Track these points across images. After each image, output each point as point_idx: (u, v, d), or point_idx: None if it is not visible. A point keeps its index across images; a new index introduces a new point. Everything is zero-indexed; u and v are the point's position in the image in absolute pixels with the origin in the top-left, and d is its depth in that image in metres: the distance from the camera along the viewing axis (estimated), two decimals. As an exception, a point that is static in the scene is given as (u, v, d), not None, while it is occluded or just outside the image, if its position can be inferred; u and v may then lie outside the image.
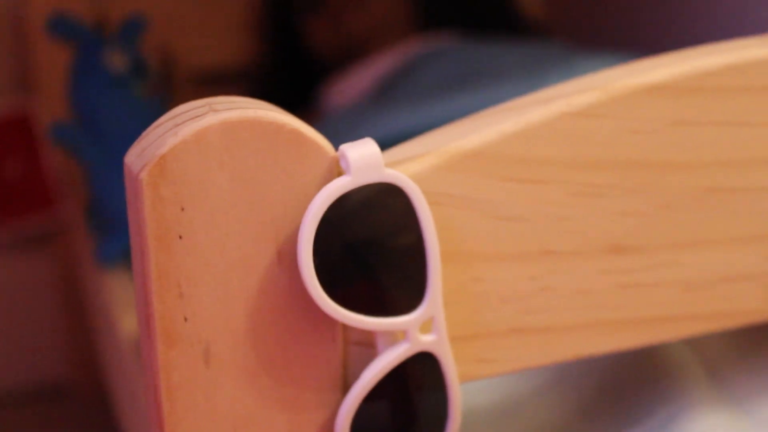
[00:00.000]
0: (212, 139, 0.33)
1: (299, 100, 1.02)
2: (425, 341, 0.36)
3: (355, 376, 0.36)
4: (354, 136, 0.71)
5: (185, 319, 0.34)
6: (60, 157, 0.97)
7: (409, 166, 0.37)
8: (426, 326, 0.36)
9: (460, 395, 0.38)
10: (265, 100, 0.96)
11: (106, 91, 0.75)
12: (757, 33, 0.51)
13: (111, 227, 0.74)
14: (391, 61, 0.90)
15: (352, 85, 0.91)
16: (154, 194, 0.33)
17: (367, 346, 0.37)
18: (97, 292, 0.75)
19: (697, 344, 0.50)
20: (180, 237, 0.33)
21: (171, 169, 0.33)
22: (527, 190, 0.39)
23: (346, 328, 0.36)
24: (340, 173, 0.35)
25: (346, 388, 0.37)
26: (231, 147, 0.33)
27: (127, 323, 0.66)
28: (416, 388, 0.37)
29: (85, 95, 0.76)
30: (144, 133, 0.36)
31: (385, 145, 0.72)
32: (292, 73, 1.03)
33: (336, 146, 0.68)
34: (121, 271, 0.73)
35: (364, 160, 0.35)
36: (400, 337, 0.36)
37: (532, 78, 0.72)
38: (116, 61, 0.77)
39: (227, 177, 0.34)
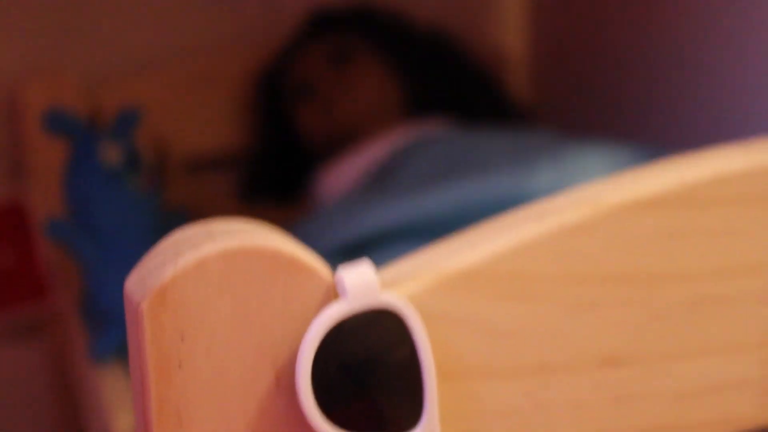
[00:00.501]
0: (212, 268, 0.34)
1: (291, 186, 1.03)
2: (423, 461, 0.37)
3: (354, 497, 0.36)
4: (347, 230, 0.72)
5: (185, 446, 0.34)
6: (53, 248, 0.97)
7: (404, 287, 0.37)
8: (424, 446, 0.37)
9: None
10: (257, 186, 0.97)
11: (101, 185, 0.76)
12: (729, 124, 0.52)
13: (105, 323, 0.74)
14: (381, 149, 0.91)
15: (343, 173, 0.92)
16: (155, 324, 0.34)
17: (366, 466, 0.37)
18: (90, 389, 0.75)
19: None
20: (180, 365, 0.34)
21: (171, 298, 0.34)
22: (521, 307, 0.39)
23: (344, 449, 0.36)
24: (337, 297, 0.36)
25: None
26: (230, 275, 0.34)
27: (121, 422, 0.66)
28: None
29: (80, 190, 0.77)
30: (144, 260, 0.36)
31: (376, 238, 0.73)
32: (284, 159, 1.04)
33: (332, 242, 0.68)
34: (115, 368, 0.73)
35: (360, 286, 0.35)
36: (399, 457, 0.37)
37: (520, 168, 0.73)
38: (111, 154, 0.78)
39: (226, 305, 0.34)
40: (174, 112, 1.05)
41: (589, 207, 0.40)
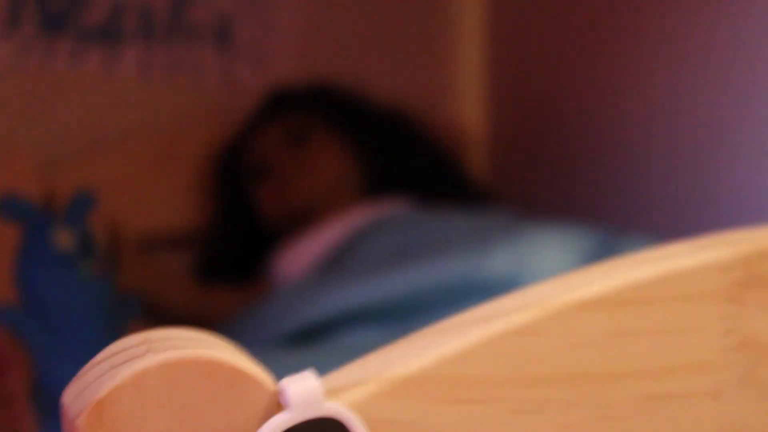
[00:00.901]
0: (151, 381, 0.33)
1: (247, 267, 1.02)
2: None
3: None
4: (301, 315, 0.72)
5: None
6: (1, 332, 0.95)
7: (349, 394, 0.37)
8: None
9: None
10: (213, 266, 0.96)
11: (53, 271, 0.75)
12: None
13: (56, 411, 0.72)
14: (338, 230, 0.91)
15: (300, 254, 0.92)
16: (91, 439, 0.33)
17: None
18: (39, 480, 0.73)
19: None
20: (117, 482, 0.33)
21: (109, 413, 0.33)
22: (468, 411, 0.39)
23: None
24: (280, 407, 0.35)
25: None
26: (170, 388, 0.33)
27: None
28: None
29: (31, 276, 0.76)
30: (81, 372, 0.35)
31: (332, 322, 0.72)
32: (241, 240, 1.04)
33: (288, 326, 0.68)
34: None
35: (303, 396, 0.35)
36: None
37: (475, 250, 0.73)
38: (63, 240, 0.77)
39: (166, 419, 0.33)
40: (130, 191, 1.05)
41: (536, 309, 0.40)
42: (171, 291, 0.88)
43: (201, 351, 0.34)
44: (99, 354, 0.36)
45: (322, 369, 0.63)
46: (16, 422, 0.96)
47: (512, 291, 0.71)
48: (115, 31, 1.07)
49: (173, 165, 1.07)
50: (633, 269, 0.42)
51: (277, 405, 0.35)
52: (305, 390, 0.35)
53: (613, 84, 1.02)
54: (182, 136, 1.08)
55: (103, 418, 0.33)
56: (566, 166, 1.08)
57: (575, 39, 1.06)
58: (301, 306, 0.74)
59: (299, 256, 0.91)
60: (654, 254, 0.44)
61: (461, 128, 1.19)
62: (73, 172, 1.03)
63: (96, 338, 0.75)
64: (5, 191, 0.96)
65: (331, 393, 0.37)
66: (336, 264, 0.82)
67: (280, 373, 0.38)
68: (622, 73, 1.00)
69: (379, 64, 1.17)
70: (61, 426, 0.70)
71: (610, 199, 1.03)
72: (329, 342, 0.71)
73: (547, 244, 0.73)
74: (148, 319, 0.89)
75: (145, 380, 0.33)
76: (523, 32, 1.15)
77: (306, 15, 1.14)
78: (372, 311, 0.72)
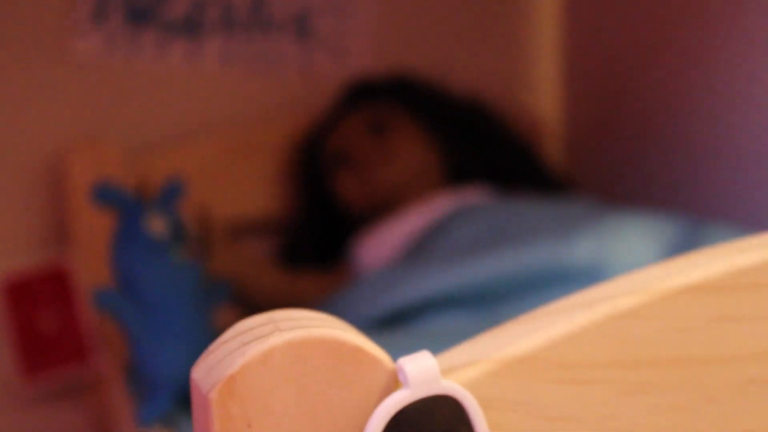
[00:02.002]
0: (279, 358, 0.35)
1: (330, 253, 1.04)
2: None
3: None
4: (389, 300, 0.73)
5: None
6: (95, 312, 0.99)
7: (462, 373, 0.38)
8: None
9: None
10: (296, 253, 0.97)
11: (147, 257, 0.77)
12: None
13: (150, 389, 0.75)
14: (422, 217, 0.92)
15: (382, 242, 0.93)
16: (223, 413, 0.34)
17: None
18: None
19: None
20: (247, 453, 0.35)
21: (239, 388, 0.35)
22: (576, 391, 0.40)
23: None
24: (398, 385, 0.37)
25: None
26: (296, 365, 0.35)
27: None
28: None
29: (126, 261, 0.78)
30: (210, 349, 0.37)
31: (417, 307, 0.73)
32: (323, 227, 1.06)
33: (375, 311, 0.69)
34: (159, 433, 0.74)
35: (421, 374, 0.36)
36: None
37: (559, 238, 0.74)
38: (156, 225, 0.79)
39: (292, 393, 0.35)
40: (215, 179, 1.07)
41: (640, 293, 0.41)
42: (258, 276, 0.90)
43: (325, 330, 0.36)
44: (227, 332, 0.38)
45: (413, 352, 0.64)
46: (105, 401, 0.99)
47: (597, 279, 0.72)
48: (198, 23, 1.09)
49: (257, 154, 1.09)
50: (737, 255, 0.43)
51: (395, 382, 0.37)
52: (423, 369, 0.37)
53: (688, 74, 1.01)
54: (264, 126, 1.10)
55: (234, 392, 0.35)
56: (641, 156, 1.08)
57: (651, 29, 1.06)
58: (388, 291, 0.75)
59: (381, 243, 0.93)
60: (757, 240, 0.44)
61: (538, 118, 1.19)
62: (161, 161, 1.06)
63: (188, 321, 0.77)
64: (98, 179, 0.99)
65: (446, 372, 0.38)
66: (420, 251, 0.84)
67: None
68: (699, 61, 1.00)
69: (457, 55, 1.18)
70: (156, 404, 0.73)
71: (685, 189, 1.03)
72: (416, 327, 0.72)
73: (631, 232, 0.73)
74: (236, 303, 0.92)
75: (273, 357, 0.35)
76: (600, 21, 1.15)
77: (384, 5, 1.15)
78: (457, 297, 0.73)
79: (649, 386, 0.41)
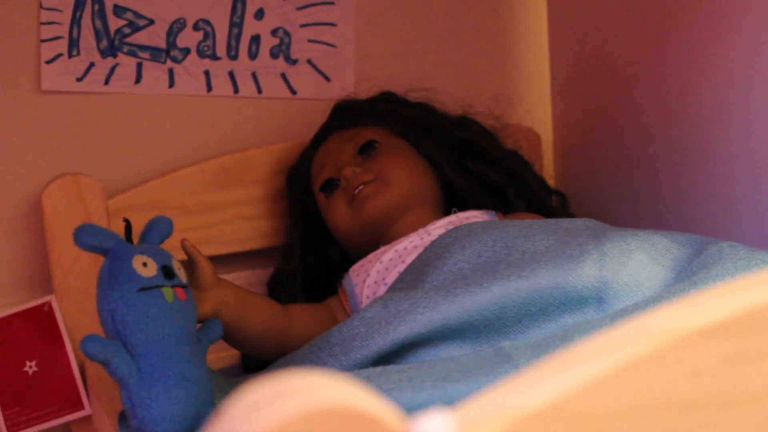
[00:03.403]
0: (293, 429, 0.34)
1: (323, 283, 1.02)
2: None
3: None
4: (386, 336, 0.72)
5: None
6: (84, 357, 0.97)
7: (476, 429, 0.37)
8: None
9: None
10: (288, 284, 0.95)
11: (137, 300, 0.76)
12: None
13: (145, 439, 0.73)
14: (417, 242, 0.90)
15: (377, 269, 0.91)
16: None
17: None
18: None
19: None
20: None
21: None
22: (594, 443, 0.39)
23: None
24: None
25: None
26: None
27: None
28: None
29: (115, 306, 0.76)
30: (222, 418, 0.36)
31: (422, 339, 0.72)
32: (316, 256, 1.04)
33: (373, 347, 0.67)
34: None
35: (439, 438, 0.35)
36: None
37: (563, 262, 0.72)
38: (145, 266, 0.78)
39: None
40: (200, 212, 1.06)
41: (656, 338, 0.40)
42: (252, 307, 0.89)
43: (336, 398, 0.34)
44: (234, 400, 0.36)
45: (420, 390, 0.63)
46: None
47: (602, 305, 0.71)
48: (179, 51, 1.08)
49: (243, 184, 1.08)
50: (749, 294, 0.42)
51: (410, 446, 0.36)
52: (437, 428, 0.35)
53: (677, 86, 1.01)
54: (249, 156, 1.09)
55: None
56: (633, 168, 1.07)
57: (642, 39, 1.05)
58: (384, 327, 0.73)
59: (376, 271, 0.91)
60: (763, 277, 0.44)
61: (533, 132, 1.18)
62: (141, 195, 1.04)
63: (184, 365, 0.75)
64: (85, 220, 0.98)
65: (465, 428, 0.37)
66: (418, 278, 0.82)
67: (392, 398, 0.38)
68: (688, 73, 0.99)
69: (444, 73, 1.17)
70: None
71: (677, 200, 1.03)
72: (420, 363, 0.70)
73: (636, 254, 0.72)
74: (226, 341, 0.90)
75: (290, 429, 0.33)
76: (589, 33, 1.14)
77: (368, 26, 1.14)
78: (456, 329, 0.71)
79: (672, 431, 0.40)
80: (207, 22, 1.08)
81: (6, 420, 0.99)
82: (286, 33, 1.11)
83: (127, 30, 1.05)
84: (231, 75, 1.10)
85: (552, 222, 0.83)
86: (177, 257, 0.81)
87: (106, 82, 1.06)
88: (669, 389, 0.40)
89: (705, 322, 0.40)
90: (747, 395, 0.41)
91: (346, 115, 1.05)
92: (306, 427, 0.34)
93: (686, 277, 0.71)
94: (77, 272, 1.00)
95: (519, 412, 0.38)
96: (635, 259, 0.72)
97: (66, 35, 1.03)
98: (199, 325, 0.82)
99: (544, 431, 0.38)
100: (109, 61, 1.05)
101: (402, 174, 0.97)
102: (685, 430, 0.40)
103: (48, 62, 1.03)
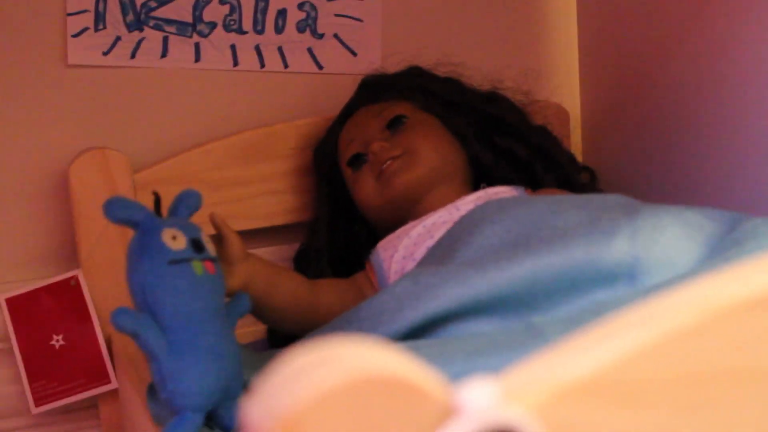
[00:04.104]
0: (340, 398, 0.33)
1: (351, 259, 1.02)
2: None
3: None
4: (416, 311, 0.71)
5: None
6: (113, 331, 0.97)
7: (526, 398, 0.37)
8: None
9: None
10: (315, 260, 0.94)
11: (167, 273, 0.76)
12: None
13: (174, 412, 0.73)
14: (446, 217, 0.90)
15: (405, 244, 0.91)
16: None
17: None
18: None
19: None
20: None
21: (299, 428, 0.33)
22: (636, 413, 0.38)
23: None
24: (456, 414, 0.35)
25: None
26: (356, 405, 0.34)
27: None
28: None
29: (145, 278, 0.76)
30: (263, 385, 0.36)
31: (452, 314, 0.71)
32: (343, 231, 1.04)
33: (403, 321, 0.67)
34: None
35: (479, 406, 0.35)
36: None
37: (594, 237, 0.71)
38: (174, 240, 0.78)
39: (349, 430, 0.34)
40: (228, 187, 1.06)
41: (697, 309, 0.39)
42: (281, 281, 0.89)
43: (384, 364, 0.34)
44: (279, 367, 0.36)
45: (451, 364, 0.63)
46: (126, 426, 0.97)
47: (633, 281, 0.70)
48: (206, 25, 1.07)
49: (269, 159, 1.08)
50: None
51: (453, 411, 0.35)
52: (481, 398, 0.35)
53: (707, 66, 1.00)
54: (275, 130, 1.08)
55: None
56: (661, 147, 1.07)
57: (671, 19, 1.04)
58: (413, 301, 0.73)
59: (404, 247, 0.91)
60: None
61: (562, 109, 1.17)
62: (169, 169, 1.04)
63: (214, 338, 0.75)
64: (112, 194, 0.98)
65: (508, 396, 0.37)
66: (445, 254, 0.81)
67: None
68: (719, 48, 0.98)
69: (473, 48, 1.16)
70: (182, 429, 0.71)
71: (707, 182, 1.02)
72: (447, 335, 0.70)
73: (669, 229, 0.71)
74: (254, 315, 0.90)
75: (334, 397, 0.33)
76: (619, 10, 1.13)
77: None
78: (487, 304, 0.71)
79: (710, 403, 0.40)
80: (233, -4, 1.07)
81: (33, 393, 1.00)
82: (313, 7, 1.10)
83: (153, 4, 1.05)
84: (257, 49, 1.09)
85: (582, 198, 0.83)
86: (205, 231, 0.81)
87: (133, 56, 1.06)
88: (709, 360, 0.40)
89: (745, 295, 0.40)
90: (788, 367, 0.41)
91: (374, 89, 1.04)
92: (351, 395, 0.34)
93: (719, 253, 0.70)
94: (104, 246, 1.00)
95: (563, 381, 0.37)
96: (668, 235, 0.71)
97: (92, 9, 1.03)
98: (227, 299, 0.82)
99: (586, 400, 0.38)
100: (136, 35, 1.05)
101: (430, 149, 0.96)
102: (727, 401, 0.40)
103: (74, 36, 1.03)
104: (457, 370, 0.63)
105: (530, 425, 0.35)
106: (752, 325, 0.40)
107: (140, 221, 0.78)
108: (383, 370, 0.34)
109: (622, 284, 0.70)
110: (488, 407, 0.35)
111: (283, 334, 0.95)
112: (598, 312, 0.66)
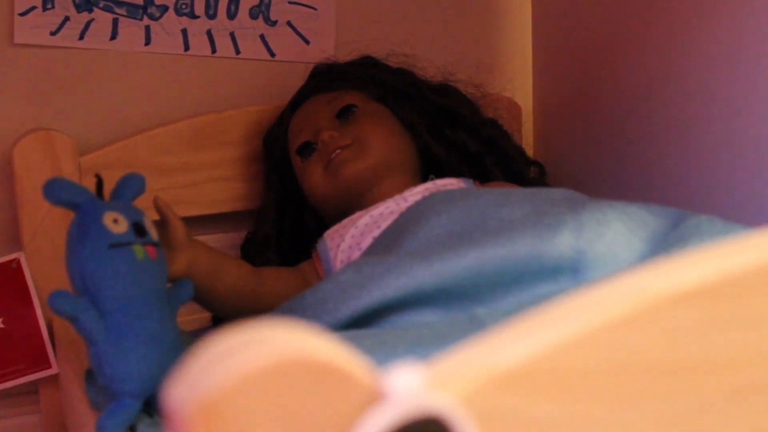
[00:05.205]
0: (264, 378, 0.33)
1: (297, 248, 1.01)
2: None
3: None
4: (358, 299, 0.71)
5: None
6: (52, 314, 0.96)
7: (447, 385, 0.36)
8: None
9: None
10: (261, 248, 0.94)
11: (107, 256, 0.74)
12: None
13: (112, 398, 0.72)
14: (393, 208, 0.89)
15: (351, 233, 0.90)
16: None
17: None
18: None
19: None
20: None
21: (218, 412, 0.32)
22: (569, 403, 0.38)
23: None
24: (381, 399, 0.35)
25: None
26: (280, 386, 0.33)
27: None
28: None
29: (85, 262, 0.75)
30: (187, 366, 0.35)
31: (389, 305, 0.71)
32: (291, 220, 1.03)
33: (345, 310, 0.66)
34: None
35: (405, 392, 0.34)
36: None
37: (539, 230, 0.71)
38: (115, 223, 0.76)
39: (276, 415, 0.33)
40: (174, 172, 1.04)
41: (631, 300, 0.39)
42: (226, 268, 0.88)
43: (310, 345, 0.34)
44: (204, 347, 0.35)
45: (393, 354, 0.62)
46: (66, 411, 0.96)
47: (577, 275, 0.70)
48: (157, 7, 1.06)
49: (218, 145, 1.07)
50: (728, 260, 0.41)
51: (378, 397, 0.35)
52: (407, 384, 0.35)
53: (660, 60, 1.00)
54: (225, 117, 1.07)
55: (216, 415, 0.32)
56: (613, 142, 1.07)
57: (623, 14, 1.05)
58: (357, 290, 0.72)
59: (350, 236, 0.90)
60: (748, 242, 0.43)
61: (514, 102, 1.17)
62: (115, 153, 1.02)
63: (154, 323, 0.74)
64: (49, 171, 0.96)
65: (434, 384, 0.36)
66: (391, 244, 0.81)
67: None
68: (672, 46, 0.99)
69: (426, 38, 1.16)
70: (119, 415, 0.70)
71: (655, 179, 1.02)
72: (391, 328, 0.70)
73: (613, 225, 0.71)
74: (196, 302, 0.89)
75: (259, 378, 0.33)
76: (570, 4, 1.13)
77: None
78: (431, 296, 0.70)
79: (641, 395, 0.40)
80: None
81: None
82: (269, -7, 1.09)
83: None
84: (209, 34, 1.08)
85: (529, 191, 0.83)
86: (149, 217, 0.80)
87: (81, 37, 1.04)
88: (642, 352, 0.39)
89: (680, 286, 0.40)
90: (720, 361, 0.41)
91: (325, 78, 1.03)
92: (273, 378, 0.33)
93: (662, 249, 0.71)
94: (47, 230, 0.99)
95: (491, 369, 0.37)
96: (612, 230, 0.71)
97: (41, -13, 1.01)
98: (169, 285, 0.81)
99: (516, 389, 0.37)
100: (85, 16, 1.03)
101: (380, 139, 0.96)
102: (658, 393, 0.40)
103: (21, 14, 1.01)
104: (397, 359, 0.62)
105: (457, 413, 0.35)
106: (684, 318, 0.40)
107: (81, 203, 0.77)
108: (307, 353, 0.33)
109: (565, 279, 0.70)
110: (414, 393, 0.35)
111: (227, 322, 0.94)
112: (540, 306, 0.65)
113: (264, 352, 0.33)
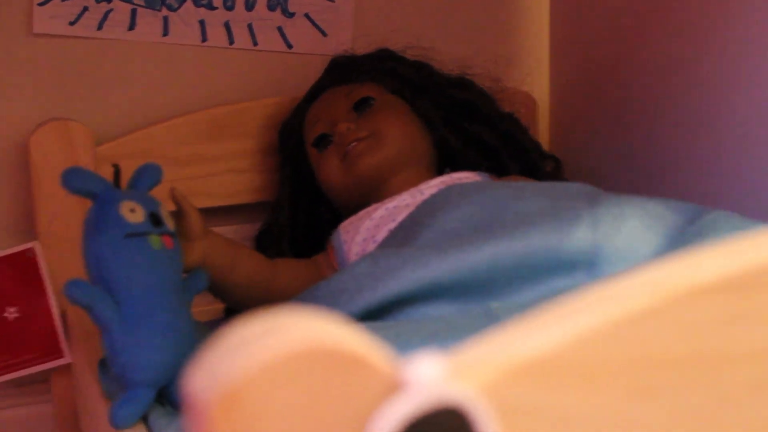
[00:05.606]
0: (287, 368, 0.33)
1: (313, 240, 1.01)
2: None
3: None
4: (373, 292, 0.71)
5: None
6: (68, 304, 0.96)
7: (468, 375, 0.36)
8: None
9: None
10: (277, 239, 0.94)
11: (123, 246, 0.74)
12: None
13: (126, 388, 0.72)
14: (409, 201, 0.89)
15: (367, 225, 0.90)
16: (223, 425, 0.32)
17: None
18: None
19: None
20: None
21: (240, 400, 0.32)
22: (587, 395, 0.38)
23: None
24: (401, 388, 0.35)
25: None
26: (303, 375, 0.33)
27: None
28: None
29: (101, 251, 0.75)
30: (206, 356, 0.35)
31: (404, 297, 0.71)
32: (306, 211, 1.03)
33: (360, 302, 0.66)
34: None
35: (426, 381, 0.34)
36: None
37: (555, 224, 0.71)
38: (132, 213, 0.76)
39: (292, 404, 0.33)
40: (191, 163, 1.05)
41: (654, 293, 0.39)
42: (241, 259, 0.88)
43: (332, 335, 0.33)
44: (224, 337, 0.35)
45: (408, 346, 0.62)
46: (79, 400, 0.96)
47: (594, 269, 0.70)
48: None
49: (235, 137, 1.07)
50: (749, 253, 0.41)
51: (399, 387, 0.35)
52: (427, 375, 0.35)
53: (678, 53, 1.00)
54: (241, 108, 1.07)
55: (234, 405, 0.32)
56: (628, 139, 1.07)
57: (640, 7, 1.04)
58: (372, 282, 0.72)
59: (366, 228, 0.90)
60: (766, 237, 0.43)
61: (531, 97, 1.17)
62: (132, 143, 1.03)
63: (169, 313, 0.74)
64: (66, 161, 0.96)
65: (455, 374, 0.36)
66: (406, 236, 0.81)
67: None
68: (690, 39, 0.98)
69: (443, 33, 1.15)
70: (133, 405, 0.70)
71: (674, 174, 1.02)
72: (408, 320, 0.70)
73: (630, 219, 0.70)
74: (211, 292, 0.89)
75: (281, 367, 0.33)
76: (591, 2, 1.13)
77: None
78: (447, 288, 0.70)
79: (661, 387, 0.39)
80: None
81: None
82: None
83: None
84: (227, 26, 1.08)
85: (546, 185, 0.82)
86: (166, 207, 0.80)
87: (99, 27, 1.04)
88: (661, 345, 0.39)
89: (699, 281, 0.40)
90: (741, 354, 0.41)
91: (343, 70, 1.03)
92: (294, 366, 0.33)
93: (679, 244, 0.70)
94: (63, 219, 0.99)
95: (512, 360, 0.37)
96: (629, 225, 0.71)
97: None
98: (185, 275, 0.81)
99: (537, 381, 0.37)
100: (103, 6, 1.03)
101: (396, 132, 0.96)
102: (676, 386, 0.40)
103: (40, 5, 1.01)
104: (412, 351, 0.62)
105: (477, 403, 0.35)
106: (703, 312, 0.40)
107: (98, 192, 0.77)
108: (328, 342, 0.33)
109: (581, 273, 0.70)
110: (435, 383, 0.35)
111: (240, 313, 0.94)
112: (555, 300, 0.65)
113: (285, 340, 0.33)
